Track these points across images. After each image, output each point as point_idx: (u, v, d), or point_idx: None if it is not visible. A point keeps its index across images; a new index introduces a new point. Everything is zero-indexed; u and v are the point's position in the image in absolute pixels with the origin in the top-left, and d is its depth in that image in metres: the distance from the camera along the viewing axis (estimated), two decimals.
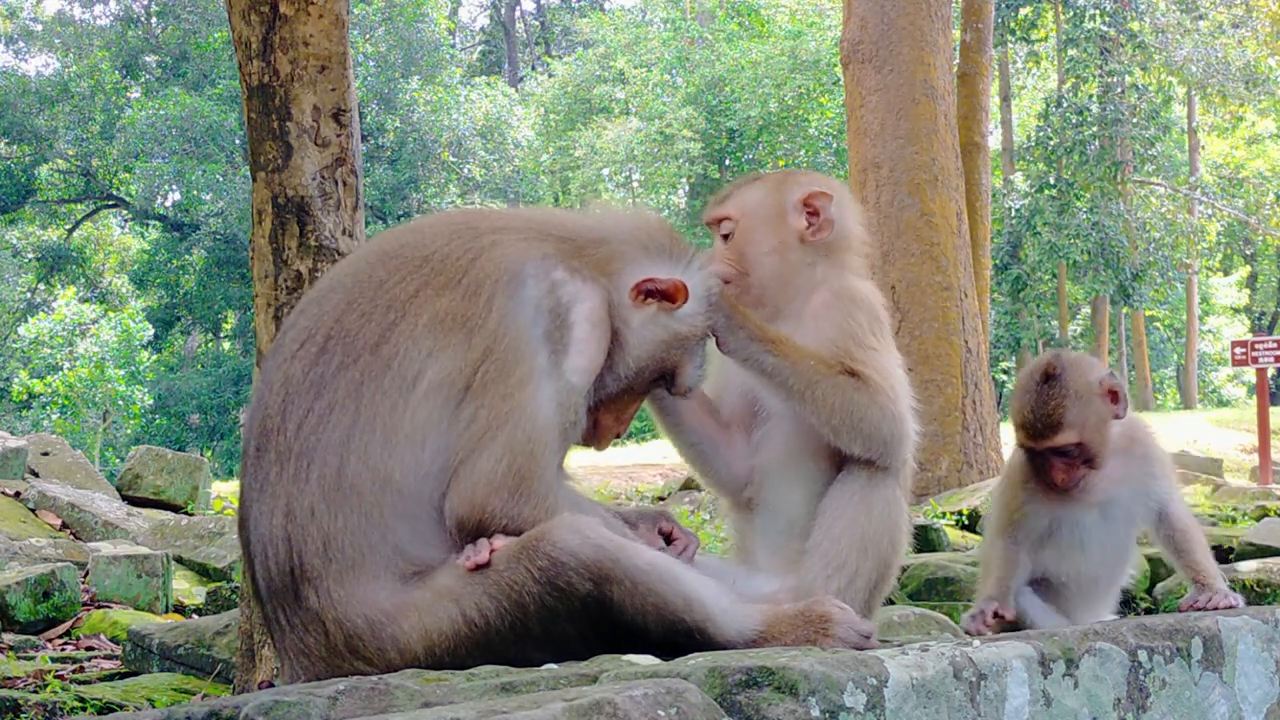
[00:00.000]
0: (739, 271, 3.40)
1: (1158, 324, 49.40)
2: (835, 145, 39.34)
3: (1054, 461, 3.70)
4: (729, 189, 3.54)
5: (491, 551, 2.73)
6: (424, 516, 2.78)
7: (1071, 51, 35.70)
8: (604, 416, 3.10)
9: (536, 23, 59.34)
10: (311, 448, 2.76)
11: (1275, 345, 20.05)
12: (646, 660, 2.52)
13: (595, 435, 3.11)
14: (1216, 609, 3.47)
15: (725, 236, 3.44)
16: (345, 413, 2.77)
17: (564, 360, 2.89)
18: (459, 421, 2.78)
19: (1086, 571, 3.87)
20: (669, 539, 3.10)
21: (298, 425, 2.78)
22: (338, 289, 2.93)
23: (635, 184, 44.46)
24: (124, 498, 11.84)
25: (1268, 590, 8.19)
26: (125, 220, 45.40)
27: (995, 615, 3.73)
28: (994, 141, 33.99)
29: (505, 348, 2.80)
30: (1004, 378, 38.26)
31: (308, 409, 2.79)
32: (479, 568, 2.71)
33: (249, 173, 5.19)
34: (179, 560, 9.49)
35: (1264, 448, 18.84)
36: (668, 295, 3.05)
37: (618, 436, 3.19)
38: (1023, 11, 35.19)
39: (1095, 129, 34.37)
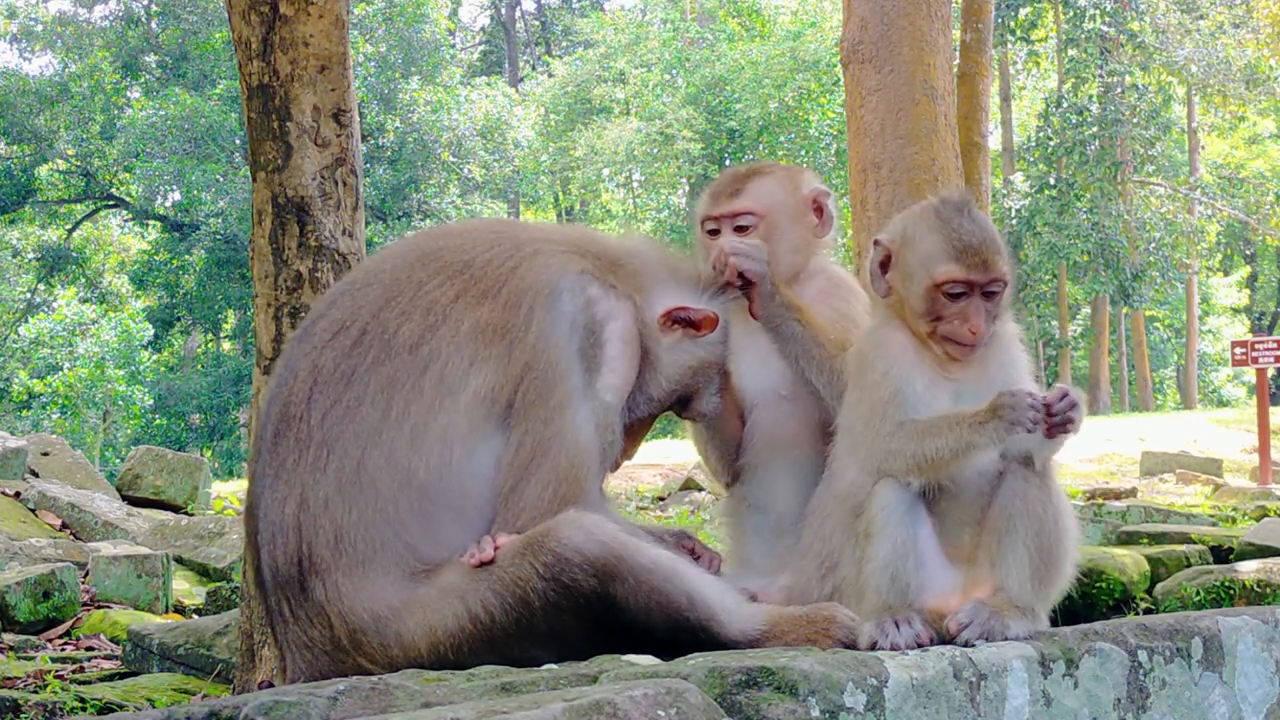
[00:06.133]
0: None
1: (1158, 324, 49.35)
2: (835, 145, 39.29)
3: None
4: (735, 182, 3.52)
5: (496, 548, 2.74)
6: (440, 516, 2.79)
7: (1071, 51, 35.72)
8: (624, 438, 3.14)
9: (537, 23, 59.30)
10: (334, 438, 2.77)
11: (1275, 345, 20.05)
12: (646, 660, 2.52)
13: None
14: None
15: (741, 229, 3.44)
16: (375, 407, 2.78)
17: (598, 379, 2.95)
18: (508, 447, 2.83)
19: None
20: (693, 556, 3.12)
21: (323, 414, 2.79)
22: (374, 284, 2.95)
23: (635, 184, 44.46)
24: (124, 498, 11.85)
25: (1268, 590, 8.19)
26: (125, 220, 45.30)
27: None
28: (994, 141, 33.99)
29: (544, 365, 2.86)
30: None
31: (335, 399, 2.80)
32: (484, 564, 2.72)
33: (249, 173, 5.19)
34: (179, 560, 9.49)
35: (1264, 448, 18.83)
36: (696, 324, 3.15)
37: (628, 459, 3.26)
38: (1023, 11, 35.19)
39: (1095, 129, 34.38)
